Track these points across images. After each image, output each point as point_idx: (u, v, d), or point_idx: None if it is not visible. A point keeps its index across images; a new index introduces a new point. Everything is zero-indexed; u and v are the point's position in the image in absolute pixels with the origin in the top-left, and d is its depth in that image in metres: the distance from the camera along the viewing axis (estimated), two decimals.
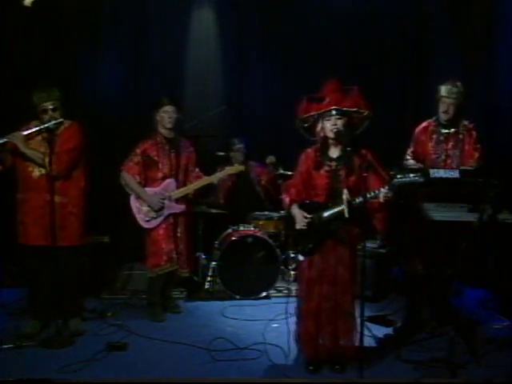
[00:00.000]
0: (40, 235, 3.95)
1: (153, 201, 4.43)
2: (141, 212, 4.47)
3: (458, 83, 4.12)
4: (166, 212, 4.46)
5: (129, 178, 4.46)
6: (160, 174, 4.49)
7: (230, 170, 4.75)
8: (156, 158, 4.47)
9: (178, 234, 4.53)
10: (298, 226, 3.50)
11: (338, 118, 3.43)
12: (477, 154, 4.12)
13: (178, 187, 4.51)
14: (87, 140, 4.14)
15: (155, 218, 4.45)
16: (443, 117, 4.15)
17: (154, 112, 4.49)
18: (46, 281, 4.00)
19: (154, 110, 4.49)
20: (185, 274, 4.63)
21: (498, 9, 5.41)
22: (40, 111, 3.97)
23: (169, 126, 4.47)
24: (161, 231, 4.46)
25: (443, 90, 4.12)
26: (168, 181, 4.49)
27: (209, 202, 5.31)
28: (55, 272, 3.88)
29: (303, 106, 3.56)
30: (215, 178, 4.63)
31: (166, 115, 4.45)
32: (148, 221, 4.47)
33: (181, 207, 4.51)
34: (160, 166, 4.48)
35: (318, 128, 3.51)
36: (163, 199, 4.44)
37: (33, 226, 3.98)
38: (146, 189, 4.48)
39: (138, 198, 4.47)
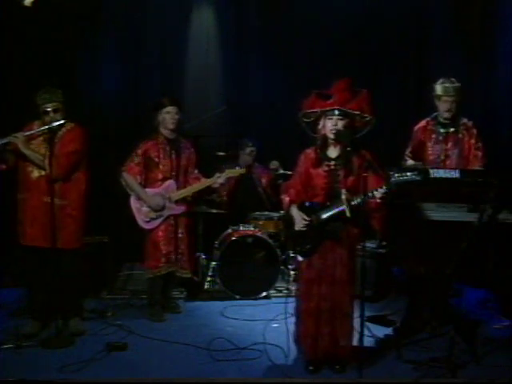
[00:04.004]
0: (37, 236, 3.94)
1: (153, 201, 4.42)
2: (141, 213, 4.46)
3: (453, 79, 4.11)
4: (165, 213, 4.45)
5: (129, 178, 4.44)
6: (160, 175, 4.47)
7: (229, 172, 4.64)
8: (157, 159, 4.45)
9: (180, 235, 4.52)
10: (296, 227, 3.50)
11: (340, 119, 3.42)
12: (480, 154, 4.12)
13: (178, 188, 4.49)
14: (89, 142, 4.13)
15: (155, 218, 4.45)
16: (446, 115, 4.14)
17: (155, 113, 4.48)
18: (46, 281, 3.99)
19: (156, 110, 4.47)
20: (186, 275, 4.62)
21: (497, 8, 5.41)
22: (42, 112, 3.97)
23: (171, 126, 4.46)
24: (160, 233, 4.45)
25: (441, 89, 4.10)
26: (168, 182, 4.47)
27: (211, 199, 5.30)
28: (54, 272, 3.88)
29: (310, 100, 3.55)
30: (214, 181, 4.56)
31: (168, 116, 4.43)
32: (148, 221, 4.46)
33: (181, 208, 4.49)
34: (160, 166, 4.46)
35: (320, 125, 3.51)
36: (163, 200, 4.43)
37: (30, 227, 3.97)
38: (147, 189, 4.46)
39: (139, 198, 4.46)
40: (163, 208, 4.44)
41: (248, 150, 5.62)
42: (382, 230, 3.71)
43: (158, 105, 4.48)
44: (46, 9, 5.43)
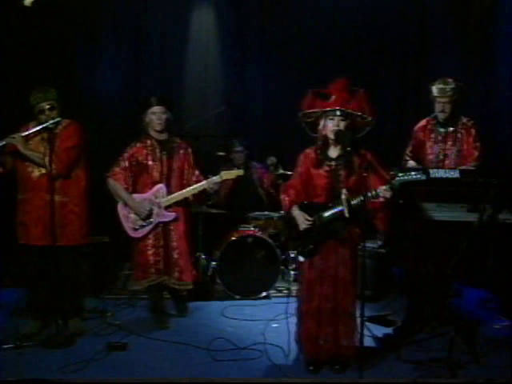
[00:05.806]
0: (41, 235, 3.95)
1: (139, 208, 4.16)
2: (128, 220, 4.21)
3: (449, 80, 4.10)
4: (154, 220, 4.19)
5: (115, 184, 4.20)
6: (150, 179, 4.21)
7: (225, 175, 4.28)
8: (145, 162, 4.20)
9: (173, 243, 4.23)
10: (301, 228, 3.48)
11: (342, 120, 3.42)
12: (476, 153, 4.11)
13: (169, 193, 4.21)
14: (87, 139, 4.13)
15: (143, 226, 4.20)
16: (441, 116, 4.15)
17: (142, 114, 4.23)
18: (46, 281, 4.00)
19: (143, 111, 4.22)
20: (188, 287, 4.34)
21: (497, 8, 5.42)
22: (37, 112, 3.96)
23: (158, 127, 4.19)
24: (148, 241, 4.21)
25: (435, 90, 4.11)
26: (158, 186, 4.19)
27: (211, 201, 5.29)
28: (55, 272, 3.89)
29: (308, 100, 3.53)
30: (208, 184, 4.22)
31: (155, 116, 4.16)
32: (136, 229, 4.21)
33: (171, 215, 4.20)
34: (150, 170, 4.20)
35: (321, 126, 3.50)
36: (151, 206, 4.18)
37: (34, 226, 3.97)
38: (134, 195, 4.21)
39: (126, 205, 4.21)
40: (150, 214, 4.18)
41: (235, 150, 5.59)
42: (385, 230, 3.70)
43: (143, 105, 4.22)
44: (45, 9, 5.43)
